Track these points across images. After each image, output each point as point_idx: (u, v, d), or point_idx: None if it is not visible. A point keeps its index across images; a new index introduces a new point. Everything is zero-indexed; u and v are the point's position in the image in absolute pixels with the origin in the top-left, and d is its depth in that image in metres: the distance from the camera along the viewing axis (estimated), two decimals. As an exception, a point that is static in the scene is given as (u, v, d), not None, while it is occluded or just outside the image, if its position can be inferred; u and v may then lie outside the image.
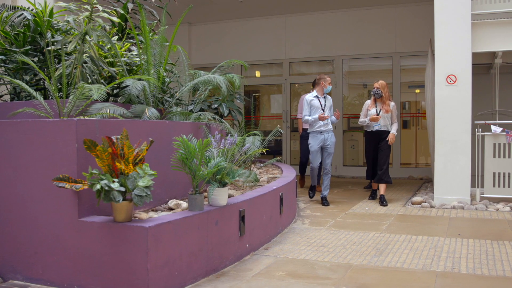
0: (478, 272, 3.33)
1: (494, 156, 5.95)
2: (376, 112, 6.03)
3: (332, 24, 9.56)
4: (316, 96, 6.00)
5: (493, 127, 5.93)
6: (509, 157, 5.89)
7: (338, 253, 3.80)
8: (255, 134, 4.78)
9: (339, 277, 3.22)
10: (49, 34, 4.68)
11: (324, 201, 6.05)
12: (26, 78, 4.63)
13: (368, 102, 6.18)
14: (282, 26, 9.99)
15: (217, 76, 4.36)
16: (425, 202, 5.98)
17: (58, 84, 4.00)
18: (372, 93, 6.11)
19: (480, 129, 6.03)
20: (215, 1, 8.87)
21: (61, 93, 4.03)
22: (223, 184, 3.36)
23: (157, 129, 3.70)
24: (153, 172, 2.90)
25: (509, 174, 5.89)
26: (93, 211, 3.02)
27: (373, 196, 6.48)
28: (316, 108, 5.93)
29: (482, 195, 5.98)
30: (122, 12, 4.81)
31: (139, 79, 4.23)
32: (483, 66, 8.00)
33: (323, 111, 5.91)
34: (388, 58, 9.24)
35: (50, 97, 4.38)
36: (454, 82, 5.93)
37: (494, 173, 5.95)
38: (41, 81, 4.68)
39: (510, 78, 8.38)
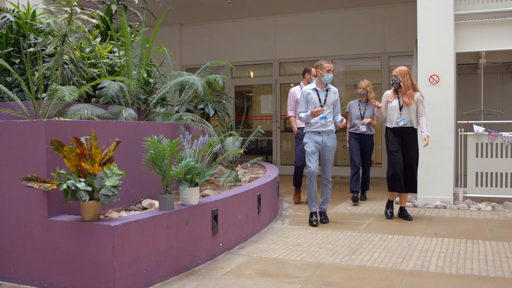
0: (447, 271, 3.37)
1: (477, 156, 5.98)
2: (399, 104, 5.01)
3: (321, 24, 9.60)
4: (315, 88, 4.86)
5: (475, 127, 5.96)
6: (491, 156, 5.93)
7: (311, 252, 3.84)
8: (231, 135, 4.82)
9: (307, 275, 3.26)
10: (32, 36, 4.74)
11: (323, 217, 4.97)
12: (8, 80, 4.68)
13: (388, 92, 5.21)
14: (272, 27, 10.04)
15: (193, 77, 4.41)
16: (408, 201, 6.01)
17: (43, 85, 4.06)
18: (390, 82, 5.19)
19: (463, 129, 6.07)
20: (204, 2, 8.92)
21: (44, 94, 4.09)
22: (195, 184, 3.40)
23: (132, 130, 3.74)
24: (121, 172, 2.95)
25: (491, 173, 5.93)
26: (64, 211, 3.07)
27: (391, 210, 5.26)
28: (313, 104, 4.80)
29: (465, 195, 6.02)
30: (102, 14, 4.86)
31: (117, 80, 4.28)
32: (471, 66, 8.03)
33: (322, 108, 4.78)
34: (377, 59, 9.28)
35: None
36: (437, 82, 5.96)
37: (476, 173, 5.98)
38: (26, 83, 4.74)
39: (497, 78, 8.42)
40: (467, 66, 8.08)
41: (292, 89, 6.18)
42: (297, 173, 6.13)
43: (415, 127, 5.08)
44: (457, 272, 3.34)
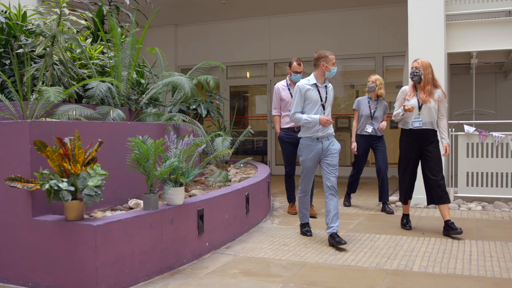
0: (430, 270, 3.39)
1: (468, 156, 6.00)
2: (418, 103, 4.36)
3: (315, 25, 9.63)
4: (315, 84, 4.10)
5: (466, 127, 5.98)
6: (482, 156, 5.95)
7: (297, 252, 3.87)
8: (220, 135, 4.85)
9: (291, 275, 3.29)
10: (22, 37, 4.77)
11: (337, 239, 3.91)
12: (-2, 81, 4.71)
13: (406, 88, 4.53)
14: (267, 27, 10.07)
15: (181, 78, 4.44)
16: (399, 201, 6.02)
17: (32, 86, 4.09)
18: (409, 76, 4.48)
19: (453, 129, 6.09)
20: (198, 2, 8.95)
21: (33, 94, 4.12)
22: (179, 184, 3.43)
23: (118, 131, 3.77)
24: (104, 172, 2.98)
25: (482, 173, 5.94)
26: (48, 211, 3.10)
27: (407, 222, 4.72)
28: (313, 102, 4.07)
29: (456, 195, 6.04)
30: (91, 15, 4.88)
31: (104, 81, 4.31)
32: (464, 66, 8.05)
33: (323, 107, 4.10)
34: (371, 59, 9.30)
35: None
36: (428, 82, 5.97)
37: (467, 173, 6.00)
38: (15, 84, 4.77)
39: (490, 78, 8.44)
40: (461, 66, 8.10)
41: (276, 85, 5.50)
42: (289, 180, 5.42)
43: (435, 128, 4.46)
44: (440, 272, 3.36)
